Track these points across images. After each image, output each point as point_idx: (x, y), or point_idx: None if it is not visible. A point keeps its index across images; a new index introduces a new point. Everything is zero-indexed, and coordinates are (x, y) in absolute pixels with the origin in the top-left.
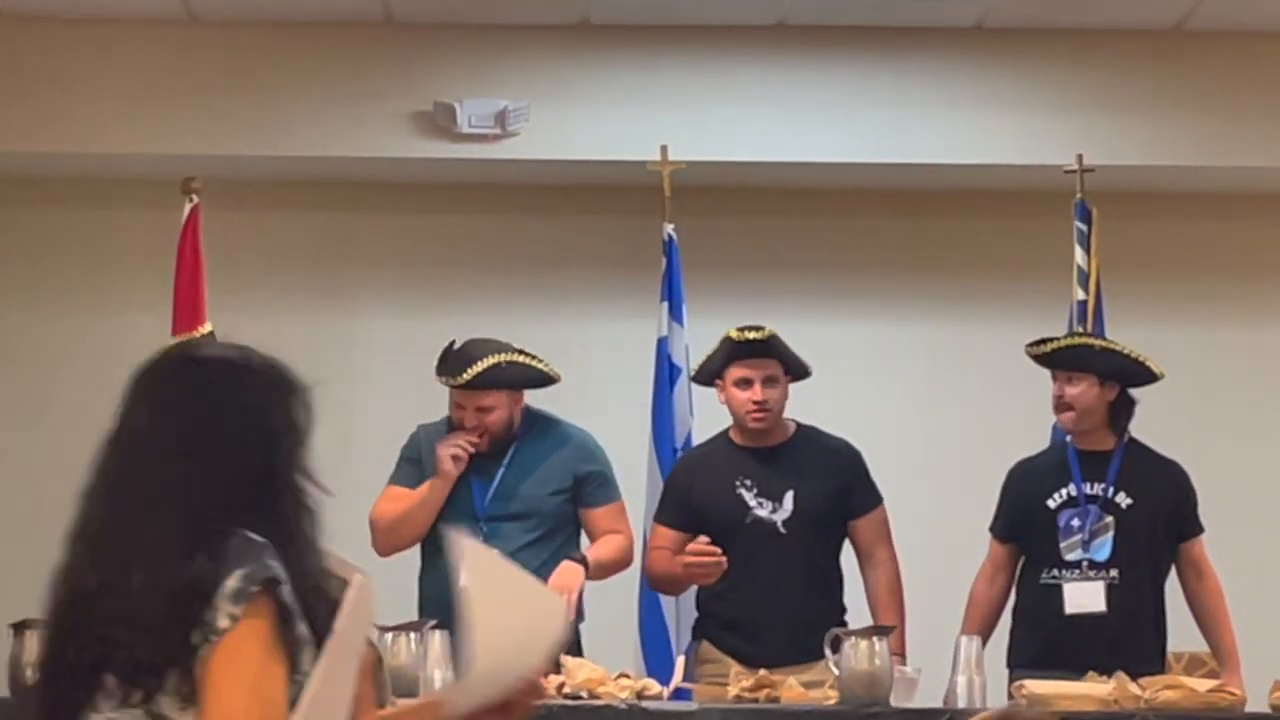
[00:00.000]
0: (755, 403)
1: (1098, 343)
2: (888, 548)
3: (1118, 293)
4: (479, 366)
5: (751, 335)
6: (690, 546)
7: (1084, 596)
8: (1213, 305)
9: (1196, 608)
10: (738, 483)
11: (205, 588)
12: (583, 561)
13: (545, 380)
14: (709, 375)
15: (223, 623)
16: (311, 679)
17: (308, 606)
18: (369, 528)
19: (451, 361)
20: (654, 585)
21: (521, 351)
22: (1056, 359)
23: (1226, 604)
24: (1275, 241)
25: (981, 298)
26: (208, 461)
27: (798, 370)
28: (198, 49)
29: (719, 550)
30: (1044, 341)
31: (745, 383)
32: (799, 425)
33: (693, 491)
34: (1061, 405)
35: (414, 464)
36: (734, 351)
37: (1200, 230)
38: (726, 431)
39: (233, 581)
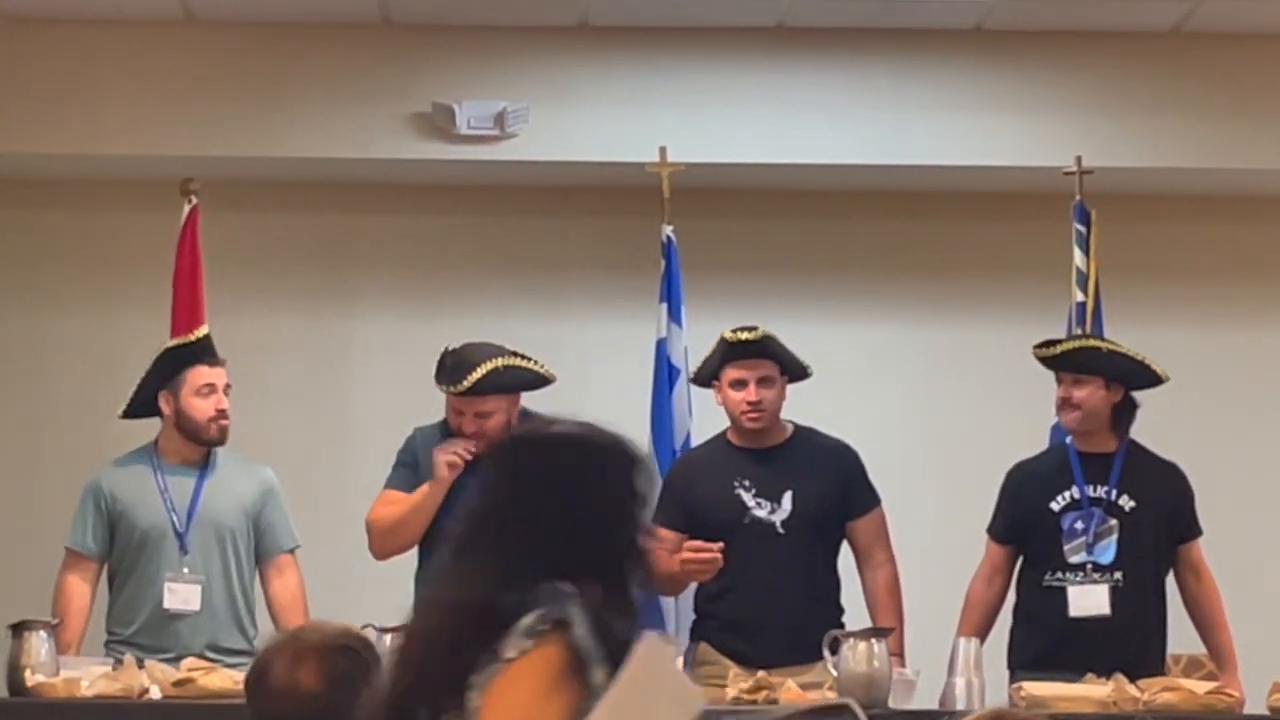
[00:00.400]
0: (749, 403)
1: (1105, 345)
2: (886, 549)
3: (1116, 294)
4: (478, 373)
5: (745, 336)
6: (687, 545)
7: (1089, 599)
8: (1212, 307)
9: (1194, 610)
10: (736, 483)
11: (502, 619)
12: None
13: (542, 382)
14: (706, 377)
15: (510, 653)
16: None
17: (615, 662)
18: (365, 530)
19: (450, 369)
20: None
21: (517, 354)
22: (1065, 361)
23: (1224, 606)
24: (1274, 243)
25: (980, 299)
26: (550, 528)
27: (795, 371)
28: (196, 50)
29: (715, 548)
30: (1052, 343)
31: (740, 383)
32: (797, 426)
33: (691, 492)
34: (1068, 406)
35: (409, 468)
36: (728, 352)
37: (1199, 232)
38: (725, 433)
39: (529, 619)
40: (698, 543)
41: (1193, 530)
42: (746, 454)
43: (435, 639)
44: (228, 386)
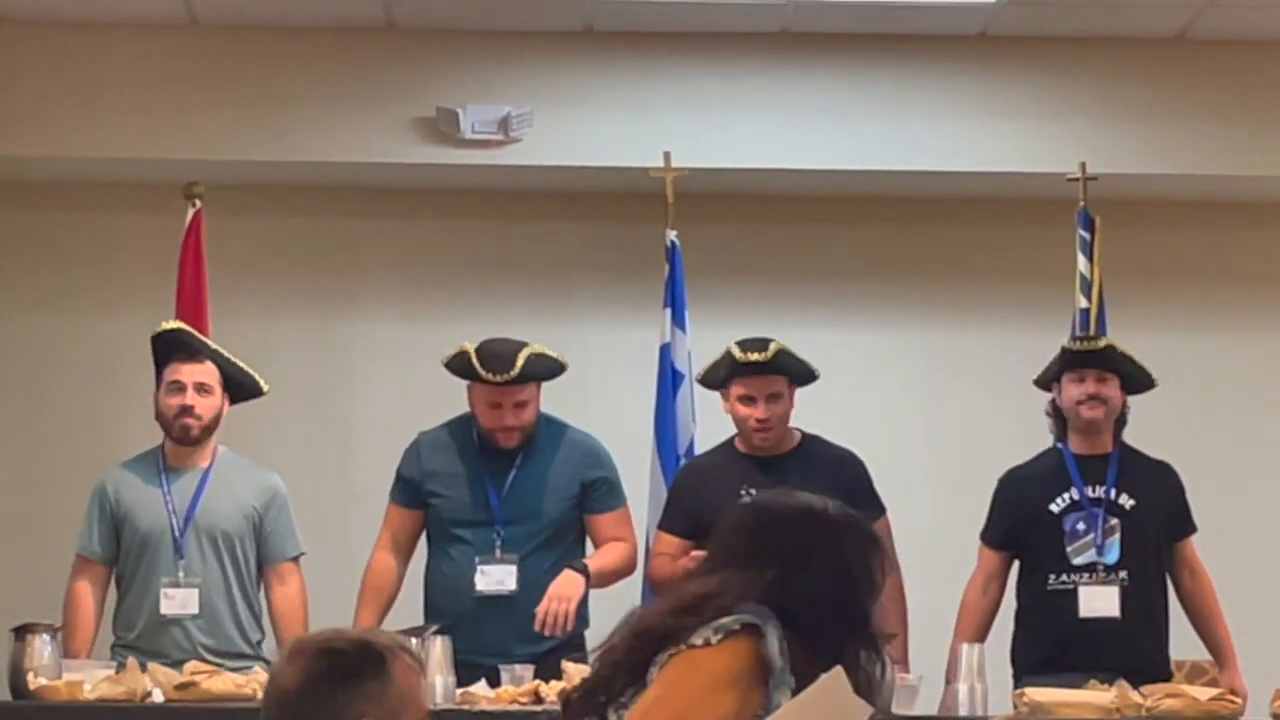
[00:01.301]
0: (758, 420)
1: (1121, 347)
2: (891, 558)
3: (1120, 300)
4: (521, 361)
5: (754, 357)
6: (693, 554)
7: (1098, 600)
8: (1215, 313)
9: (1192, 606)
10: (743, 492)
11: (702, 613)
12: (584, 570)
13: (562, 369)
14: (714, 383)
15: (696, 640)
16: None
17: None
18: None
19: (487, 360)
20: (656, 592)
21: (528, 344)
22: (1106, 357)
23: (1219, 601)
24: (1277, 250)
25: (984, 305)
26: (791, 578)
27: (804, 377)
28: (201, 54)
29: None
30: (1091, 338)
31: (749, 400)
32: (804, 435)
33: (698, 499)
34: (1094, 401)
35: (409, 483)
36: (737, 370)
37: (1203, 238)
38: (732, 440)
39: (726, 619)
40: (701, 554)
41: (1188, 527)
42: (753, 462)
43: (638, 628)
44: (202, 385)
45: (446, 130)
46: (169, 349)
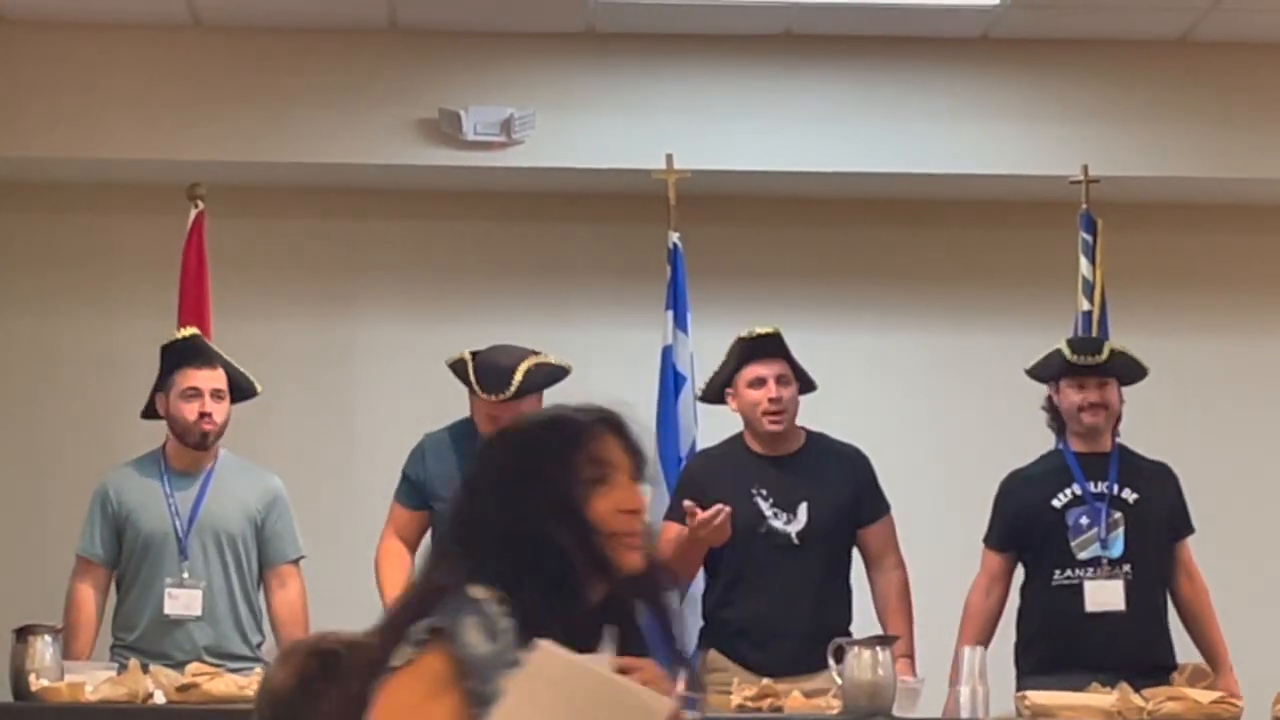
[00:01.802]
0: (770, 400)
1: (1117, 345)
2: (896, 555)
3: (1122, 303)
4: (519, 376)
5: (761, 330)
6: (700, 517)
7: (1105, 595)
8: (1217, 316)
9: (1187, 610)
10: (754, 491)
11: (403, 630)
12: None
13: (564, 375)
14: (718, 388)
15: (396, 662)
16: None
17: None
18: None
19: (484, 375)
20: None
21: (534, 351)
22: (1112, 366)
23: (1213, 606)
24: (1279, 253)
25: (986, 308)
26: (482, 529)
27: (804, 380)
28: (203, 55)
29: (724, 510)
30: (1090, 348)
31: (759, 381)
32: (809, 432)
33: (708, 494)
34: (1095, 408)
35: (415, 484)
36: (745, 351)
37: (1205, 241)
38: (741, 436)
39: (418, 629)
40: (705, 512)
41: (1186, 527)
42: (763, 461)
43: (360, 652)
44: (217, 391)
45: (449, 132)
46: (183, 355)
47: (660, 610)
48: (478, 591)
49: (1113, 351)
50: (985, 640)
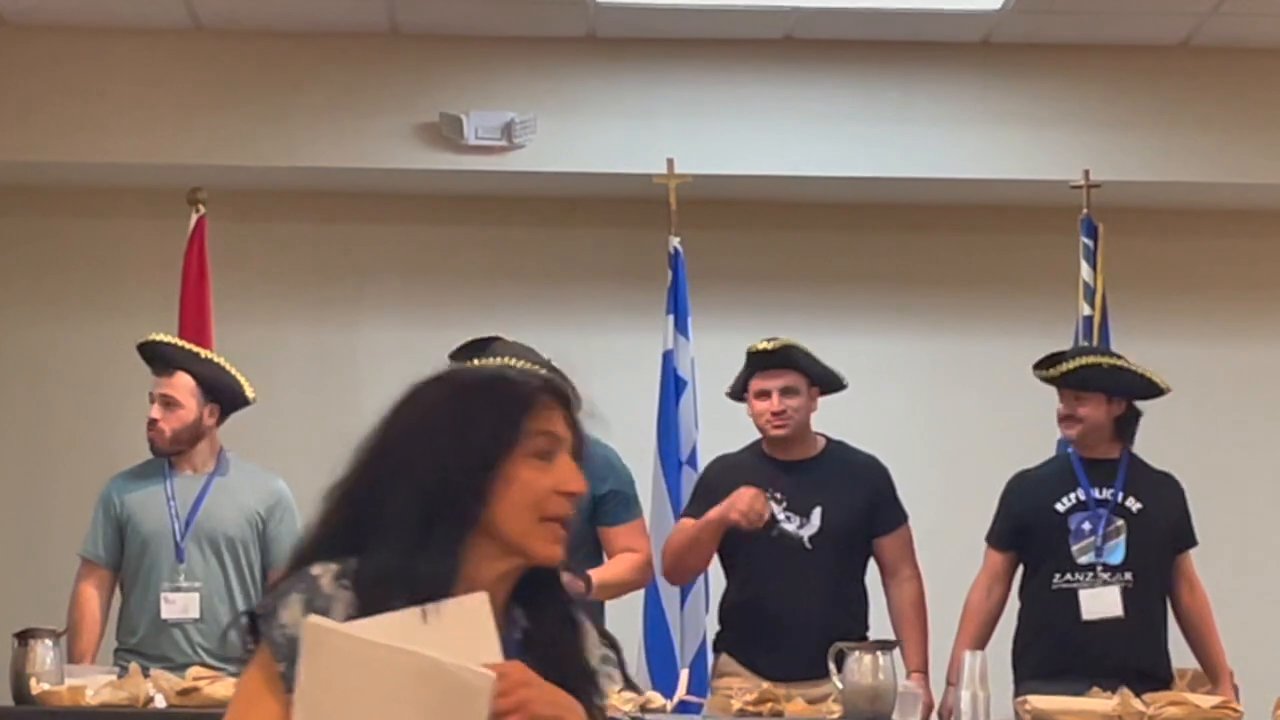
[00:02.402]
0: (772, 412)
1: (1106, 361)
2: (912, 565)
3: (1123, 308)
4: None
5: (763, 345)
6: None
7: (1100, 602)
8: (1218, 321)
9: (1188, 621)
10: (768, 494)
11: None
12: (585, 580)
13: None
14: (737, 392)
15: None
16: None
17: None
18: None
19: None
20: (673, 570)
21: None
22: (1066, 380)
23: (1214, 618)
24: None
25: (987, 312)
26: (343, 497)
27: (826, 382)
28: (204, 59)
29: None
30: (1052, 363)
31: (763, 394)
32: (829, 440)
33: (724, 495)
34: (1071, 421)
35: None
36: (751, 364)
37: (1206, 246)
38: (760, 442)
39: (244, 623)
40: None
41: (1189, 540)
42: (779, 465)
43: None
44: (166, 398)
45: (450, 136)
46: (147, 361)
47: (559, 615)
48: (318, 568)
49: (1080, 365)
50: (984, 639)
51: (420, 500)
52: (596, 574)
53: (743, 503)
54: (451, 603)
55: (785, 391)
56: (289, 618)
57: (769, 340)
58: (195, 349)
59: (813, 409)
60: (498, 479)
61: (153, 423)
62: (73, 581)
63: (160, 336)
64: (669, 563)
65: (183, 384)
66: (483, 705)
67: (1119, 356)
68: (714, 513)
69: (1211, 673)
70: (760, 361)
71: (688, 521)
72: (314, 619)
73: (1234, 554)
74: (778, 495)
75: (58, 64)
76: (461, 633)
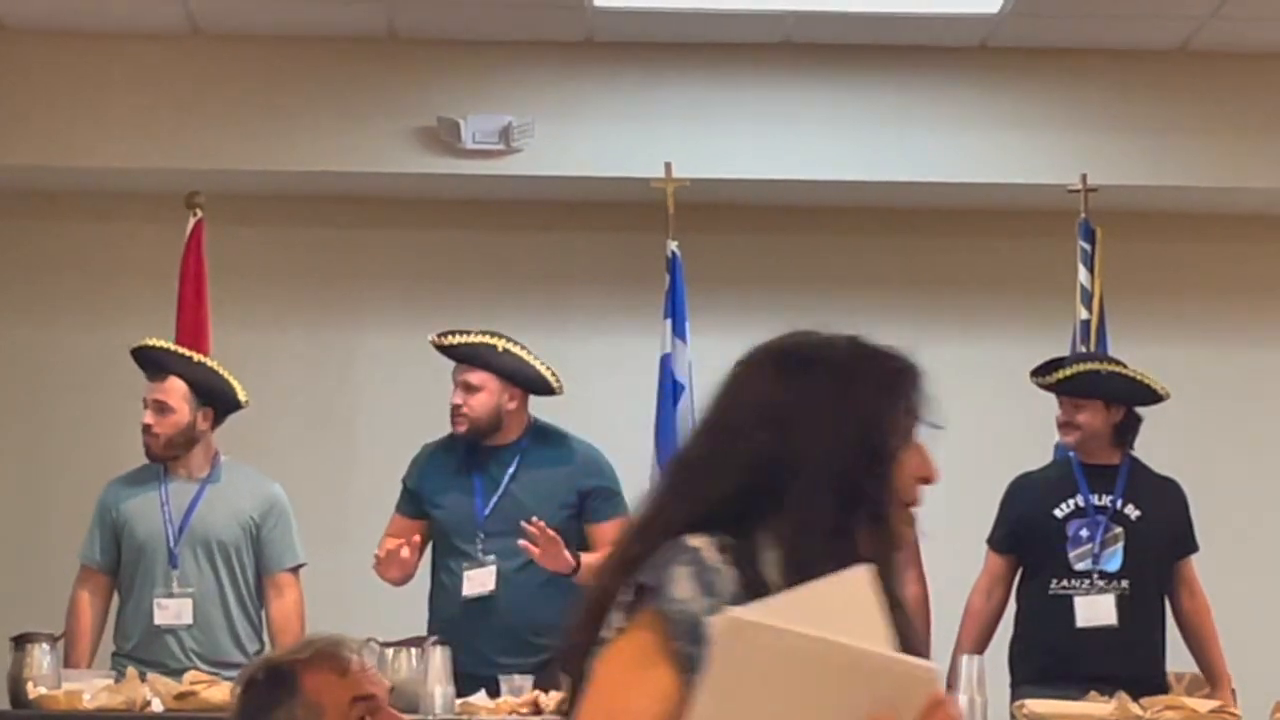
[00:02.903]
0: None
1: (1105, 367)
2: (915, 570)
3: (1121, 312)
4: (466, 338)
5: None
6: None
7: (1095, 610)
8: (1216, 325)
9: (1188, 626)
10: None
11: (637, 559)
12: (575, 559)
13: (539, 382)
14: None
15: (606, 633)
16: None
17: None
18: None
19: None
20: None
21: (527, 350)
22: (1064, 387)
23: (1214, 623)
24: (1278, 261)
25: (985, 316)
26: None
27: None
28: (202, 63)
29: None
30: (1050, 370)
31: None
32: None
33: None
34: (1069, 428)
35: (411, 493)
36: None
37: (1204, 250)
38: None
39: (624, 591)
40: None
41: (1190, 546)
42: None
43: (587, 605)
44: (158, 403)
45: (448, 140)
46: (141, 366)
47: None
48: (695, 539)
49: (1077, 372)
50: (984, 641)
51: (826, 481)
52: (588, 557)
53: None
54: (832, 580)
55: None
56: (681, 592)
57: None
58: (187, 353)
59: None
60: (895, 464)
61: (147, 428)
62: (70, 585)
63: (152, 341)
64: None
65: (175, 388)
66: (923, 698)
67: (1117, 362)
68: None
69: (1211, 678)
70: None
71: None
72: (735, 612)
73: (1232, 557)
74: None
75: (56, 68)
76: (850, 612)
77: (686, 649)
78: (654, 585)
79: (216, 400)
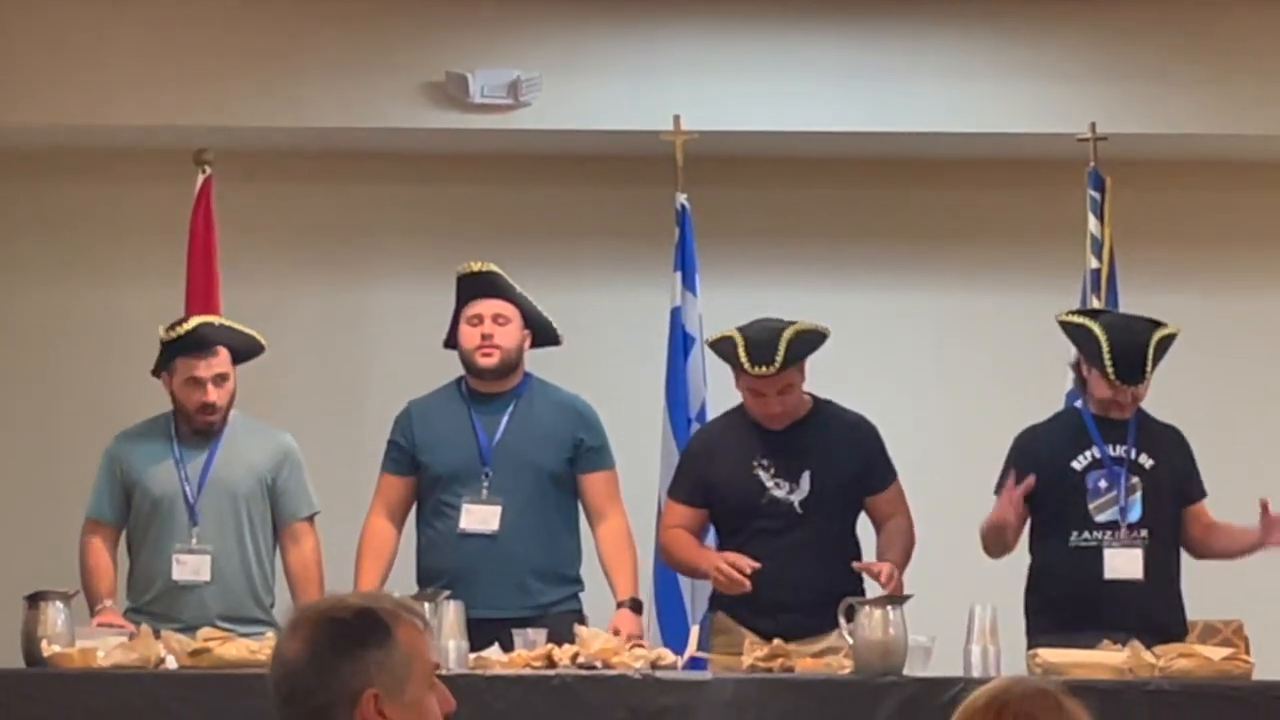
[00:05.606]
0: (770, 415)
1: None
2: (904, 515)
3: (1131, 261)
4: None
5: (762, 371)
6: (725, 558)
7: (1123, 561)
8: (1226, 273)
9: (1209, 535)
10: (755, 463)
11: None
12: (634, 604)
13: (550, 330)
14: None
15: None
16: None
17: None
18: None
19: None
20: (667, 562)
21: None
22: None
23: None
24: None
25: (995, 267)
26: None
27: (815, 347)
28: (209, 19)
29: (755, 566)
30: (1133, 379)
31: (758, 394)
32: (816, 400)
33: (709, 470)
34: (1124, 406)
35: (402, 450)
36: (744, 370)
37: (1214, 198)
38: (742, 406)
39: None
40: (736, 558)
41: (1199, 491)
42: (765, 432)
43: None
44: (219, 377)
45: (456, 95)
46: (183, 346)
47: None
48: None
49: (1152, 367)
50: (1012, 541)
51: None
52: (624, 589)
53: (724, 578)
54: None
55: (783, 391)
56: None
57: (764, 364)
58: (219, 321)
59: (804, 381)
60: None
61: (209, 406)
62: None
63: (198, 322)
64: (665, 558)
65: (225, 359)
66: None
67: (1157, 323)
68: (702, 562)
69: (1252, 533)
70: (756, 379)
71: (675, 510)
72: None
73: (1242, 505)
74: (765, 462)
75: (61, 25)
76: None
77: None
78: None
79: (239, 354)
